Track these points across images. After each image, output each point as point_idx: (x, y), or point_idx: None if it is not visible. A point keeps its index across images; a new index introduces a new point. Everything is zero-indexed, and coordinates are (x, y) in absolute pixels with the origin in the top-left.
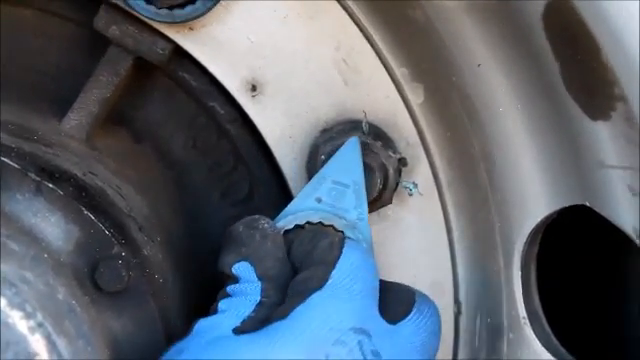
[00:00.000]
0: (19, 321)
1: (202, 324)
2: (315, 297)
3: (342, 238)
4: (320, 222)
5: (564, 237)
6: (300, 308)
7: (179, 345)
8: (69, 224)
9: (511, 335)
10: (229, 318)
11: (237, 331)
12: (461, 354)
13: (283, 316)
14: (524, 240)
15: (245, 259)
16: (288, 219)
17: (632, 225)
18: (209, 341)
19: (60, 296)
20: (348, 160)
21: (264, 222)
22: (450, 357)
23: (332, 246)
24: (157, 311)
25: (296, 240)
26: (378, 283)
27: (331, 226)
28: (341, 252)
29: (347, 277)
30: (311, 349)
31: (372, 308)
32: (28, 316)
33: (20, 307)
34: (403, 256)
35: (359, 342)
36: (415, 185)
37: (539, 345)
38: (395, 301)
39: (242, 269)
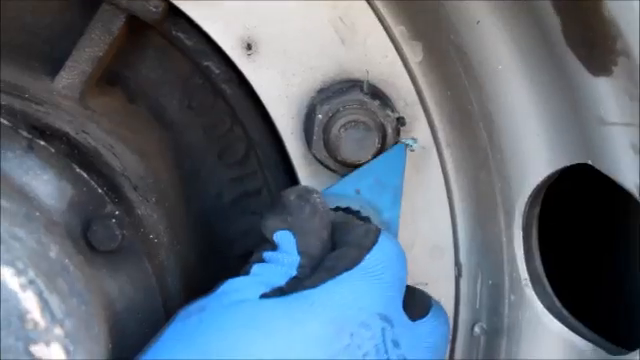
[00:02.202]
0: (10, 278)
1: (230, 284)
2: (346, 275)
3: (379, 228)
4: (359, 211)
5: (565, 197)
6: (330, 282)
7: (201, 301)
8: (62, 182)
9: (512, 297)
10: (258, 284)
11: (264, 297)
12: (462, 316)
13: (312, 286)
14: (525, 200)
15: (289, 229)
16: (330, 200)
17: (634, 182)
18: (233, 302)
19: (52, 254)
20: (393, 163)
21: (317, 196)
22: (451, 319)
23: (368, 233)
24: (152, 271)
25: (334, 223)
26: (406, 279)
27: (367, 217)
28: (377, 239)
29: (379, 264)
30: (338, 324)
31: (397, 300)
32: (19, 273)
33: (11, 264)
34: (402, 218)
35: (383, 329)
36: (414, 140)
37: (541, 307)
38: (413, 301)
39: (284, 238)
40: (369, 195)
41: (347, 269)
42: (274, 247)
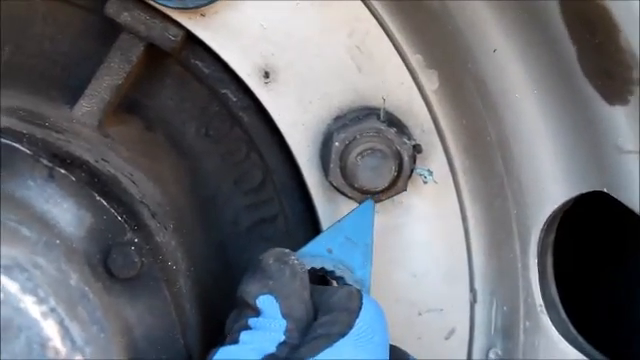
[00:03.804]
0: (31, 306)
1: (222, 355)
2: (341, 342)
3: (359, 290)
4: (333, 270)
5: (580, 224)
6: (328, 351)
7: None
8: (81, 210)
9: (527, 323)
10: (251, 352)
11: None
12: (477, 342)
13: (311, 356)
14: (541, 227)
15: (271, 293)
16: (304, 260)
17: None
18: None
19: (72, 282)
20: (362, 221)
21: (294, 258)
22: (466, 345)
23: (351, 296)
24: (170, 298)
25: (312, 285)
26: (389, 338)
27: (341, 277)
28: (362, 302)
29: (369, 327)
30: None
31: (386, 358)
32: (41, 301)
33: (32, 292)
34: (418, 244)
35: None
36: (430, 172)
37: (556, 333)
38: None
39: (267, 303)
40: (341, 254)
41: (341, 335)
42: (257, 313)
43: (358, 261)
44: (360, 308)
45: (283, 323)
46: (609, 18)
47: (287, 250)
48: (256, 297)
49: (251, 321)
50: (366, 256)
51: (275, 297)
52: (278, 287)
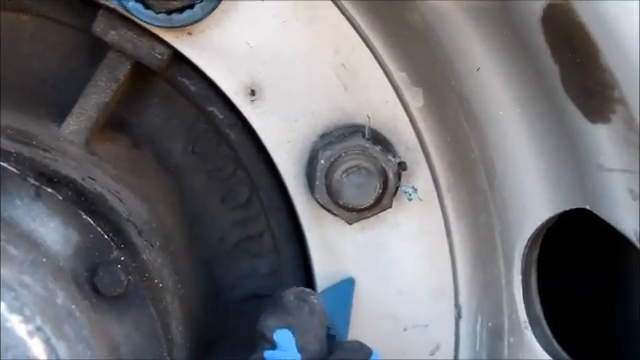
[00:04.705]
0: (18, 325)
1: None
2: None
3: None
4: (330, 327)
5: (564, 240)
6: None
7: None
8: (68, 228)
9: (512, 339)
10: None
11: None
12: (462, 357)
13: None
14: (525, 244)
15: (289, 327)
16: None
17: (633, 228)
18: None
19: (59, 300)
20: (344, 295)
21: (314, 297)
22: None
23: (364, 346)
24: (157, 315)
25: None
26: None
27: (334, 336)
28: (372, 352)
29: None
30: None
31: None
32: (27, 320)
33: (19, 311)
34: (403, 260)
35: None
36: (415, 190)
37: (540, 349)
38: None
39: (283, 337)
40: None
41: None
42: (273, 345)
43: (341, 327)
44: (371, 355)
45: (297, 357)
46: (589, 37)
47: (308, 289)
48: (273, 330)
49: (266, 353)
50: (346, 326)
51: (292, 332)
52: (296, 322)
